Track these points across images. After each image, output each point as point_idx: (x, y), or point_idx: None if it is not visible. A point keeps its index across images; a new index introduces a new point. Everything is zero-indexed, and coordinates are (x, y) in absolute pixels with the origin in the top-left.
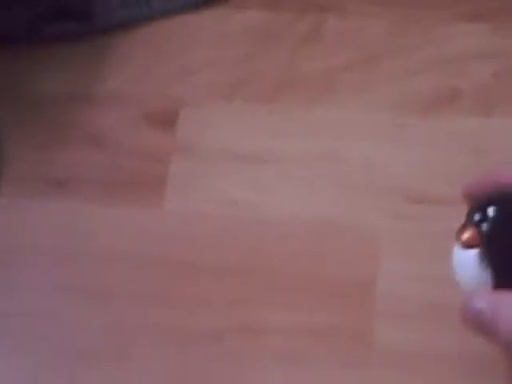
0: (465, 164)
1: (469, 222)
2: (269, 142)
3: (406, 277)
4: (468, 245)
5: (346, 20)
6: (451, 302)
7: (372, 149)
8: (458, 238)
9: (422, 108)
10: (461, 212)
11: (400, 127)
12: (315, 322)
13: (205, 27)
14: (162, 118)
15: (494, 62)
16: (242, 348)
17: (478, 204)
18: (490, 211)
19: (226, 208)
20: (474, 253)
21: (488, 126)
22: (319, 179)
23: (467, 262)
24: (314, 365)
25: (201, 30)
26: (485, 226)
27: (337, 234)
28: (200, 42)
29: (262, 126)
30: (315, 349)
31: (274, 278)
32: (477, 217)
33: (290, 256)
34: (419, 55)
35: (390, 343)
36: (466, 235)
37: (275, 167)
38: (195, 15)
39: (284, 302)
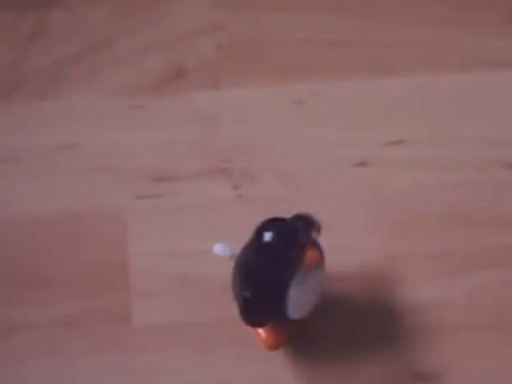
0: (202, 137)
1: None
2: (4, 140)
3: (155, 254)
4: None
5: (69, 11)
6: (199, 273)
7: (112, 134)
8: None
9: (153, 87)
10: (198, 184)
11: (136, 109)
12: (70, 311)
13: None
14: None
15: (217, 34)
16: None
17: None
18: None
19: None
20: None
21: (218, 97)
22: (59, 170)
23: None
24: (74, 355)
25: None
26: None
27: (83, 222)
28: None
29: None
30: (73, 338)
31: (22, 274)
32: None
33: (37, 250)
34: (143, 36)
35: (148, 321)
36: (314, 256)
37: (13, 165)
38: None
39: (35, 297)
